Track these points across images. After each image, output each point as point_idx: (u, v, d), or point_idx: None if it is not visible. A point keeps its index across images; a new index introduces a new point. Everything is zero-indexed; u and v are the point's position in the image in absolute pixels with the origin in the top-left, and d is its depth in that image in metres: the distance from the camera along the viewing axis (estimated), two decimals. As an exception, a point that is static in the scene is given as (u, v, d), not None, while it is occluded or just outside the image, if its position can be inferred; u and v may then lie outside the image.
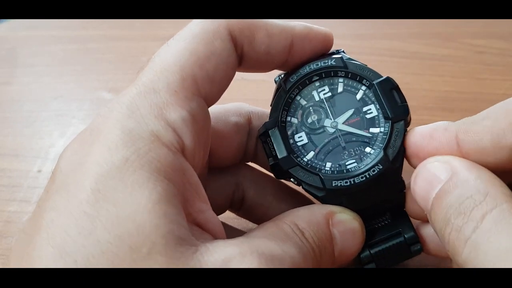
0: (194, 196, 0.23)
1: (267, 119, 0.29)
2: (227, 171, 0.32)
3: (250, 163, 0.34)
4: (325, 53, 0.30)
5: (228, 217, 0.34)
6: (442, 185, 0.23)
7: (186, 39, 0.25)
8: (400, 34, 0.55)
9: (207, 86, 0.25)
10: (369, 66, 0.30)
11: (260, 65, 0.28)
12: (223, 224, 0.27)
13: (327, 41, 0.29)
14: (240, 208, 0.32)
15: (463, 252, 0.21)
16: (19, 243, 0.22)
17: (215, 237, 0.24)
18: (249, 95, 0.46)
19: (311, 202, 0.31)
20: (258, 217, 0.32)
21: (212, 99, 0.26)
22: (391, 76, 0.29)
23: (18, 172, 0.44)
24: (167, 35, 0.58)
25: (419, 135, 0.26)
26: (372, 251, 0.28)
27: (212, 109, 0.29)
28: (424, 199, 0.24)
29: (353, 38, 0.55)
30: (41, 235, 0.21)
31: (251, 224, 0.36)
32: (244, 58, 0.27)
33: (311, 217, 0.26)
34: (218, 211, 0.32)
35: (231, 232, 0.26)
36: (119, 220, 0.20)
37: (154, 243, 0.20)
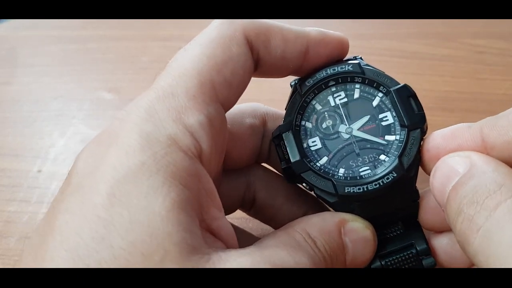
0: (208, 202, 0.23)
1: (282, 121, 0.29)
2: (239, 171, 0.32)
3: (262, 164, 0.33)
4: (341, 59, 0.30)
5: (235, 217, 0.34)
6: (459, 178, 0.22)
7: (203, 44, 0.25)
8: (399, 34, 0.55)
9: (224, 91, 0.25)
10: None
11: (275, 70, 0.28)
12: (234, 227, 0.26)
13: (342, 46, 0.29)
14: (250, 208, 0.32)
15: (474, 242, 0.21)
16: (31, 243, 0.22)
17: (227, 245, 0.23)
18: (249, 95, 0.46)
19: (322, 204, 0.31)
20: (269, 217, 0.32)
21: (229, 104, 0.26)
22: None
23: (18, 172, 0.44)
24: (167, 35, 0.59)
25: (439, 137, 0.26)
26: (383, 262, 0.27)
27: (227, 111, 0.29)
28: (441, 192, 0.23)
29: (353, 38, 0.54)
30: (54, 237, 0.20)
31: (250, 224, 0.36)
32: (259, 63, 0.27)
33: (323, 225, 0.26)
34: (229, 210, 0.32)
35: (238, 234, 0.26)
36: (133, 226, 0.20)
37: (167, 251, 0.20)
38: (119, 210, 0.20)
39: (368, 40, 0.55)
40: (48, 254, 0.20)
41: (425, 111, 0.28)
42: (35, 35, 0.59)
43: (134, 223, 0.20)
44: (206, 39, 0.25)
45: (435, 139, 0.26)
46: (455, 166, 0.23)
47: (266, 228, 0.34)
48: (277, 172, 0.33)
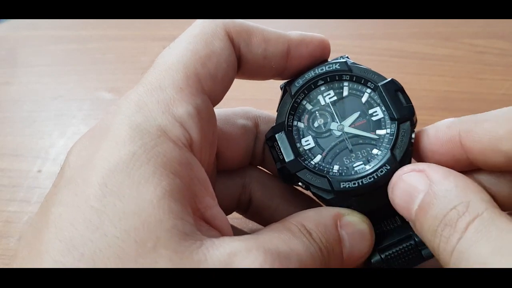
0: (202, 191, 0.23)
1: (274, 124, 0.29)
2: (235, 173, 0.32)
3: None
4: (325, 60, 0.30)
5: (234, 217, 0.34)
6: (423, 196, 0.24)
7: (186, 40, 0.26)
8: (400, 34, 0.55)
9: (210, 84, 0.26)
10: (369, 66, 0.30)
11: (258, 70, 0.29)
12: (233, 228, 0.27)
13: (323, 45, 0.30)
14: (247, 210, 0.33)
15: (450, 261, 0.22)
16: (26, 237, 0.22)
17: (222, 233, 0.24)
18: (248, 95, 0.46)
19: (319, 205, 0.31)
20: (265, 219, 0.32)
21: (215, 97, 0.27)
22: (390, 76, 0.29)
23: (18, 172, 0.44)
24: (167, 35, 0.59)
25: (426, 136, 0.27)
26: (383, 256, 0.27)
27: (220, 112, 0.30)
28: (406, 209, 0.25)
29: (353, 38, 0.55)
30: (49, 229, 0.21)
31: (250, 224, 0.36)
32: (242, 61, 0.28)
33: (318, 218, 0.26)
34: (225, 212, 0.32)
35: (238, 234, 0.26)
36: (126, 215, 0.20)
37: (159, 238, 0.20)
38: (111, 199, 0.21)
39: (368, 40, 0.55)
40: (43, 245, 0.20)
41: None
42: (35, 35, 0.59)
43: (126, 212, 0.20)
44: (189, 36, 0.26)
45: (423, 138, 0.27)
46: (413, 183, 0.24)
47: (266, 228, 0.34)
48: (272, 174, 0.33)
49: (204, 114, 0.25)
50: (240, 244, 0.22)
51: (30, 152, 0.46)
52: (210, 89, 0.26)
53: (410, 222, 0.25)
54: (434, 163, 0.26)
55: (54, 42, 0.58)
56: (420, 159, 0.27)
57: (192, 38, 0.26)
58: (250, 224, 0.36)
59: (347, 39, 0.55)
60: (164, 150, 0.22)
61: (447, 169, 0.24)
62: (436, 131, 0.26)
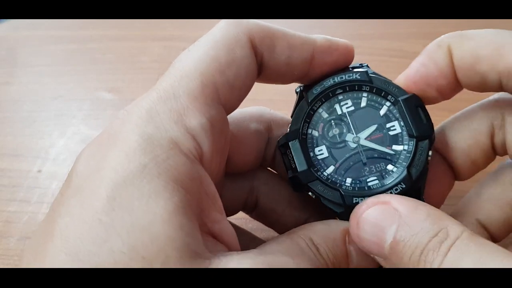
0: (210, 206, 0.23)
1: (287, 127, 0.29)
2: (243, 175, 0.31)
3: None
4: (347, 66, 0.29)
5: (236, 217, 0.34)
6: (395, 231, 0.23)
7: (207, 45, 0.25)
8: (400, 34, 0.55)
9: (227, 93, 0.25)
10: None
11: (279, 76, 0.28)
12: (234, 227, 0.26)
13: (348, 53, 0.29)
14: (252, 211, 0.32)
15: None
16: (31, 246, 0.22)
17: (228, 247, 0.23)
18: (249, 95, 0.46)
19: (325, 210, 0.30)
20: (271, 221, 0.32)
21: (231, 106, 0.26)
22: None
23: (18, 172, 0.44)
24: (167, 35, 0.59)
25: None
26: None
27: (233, 114, 0.29)
28: (377, 245, 0.24)
29: (353, 38, 0.55)
30: (54, 241, 0.20)
31: (250, 225, 0.36)
32: (263, 67, 0.27)
33: (327, 232, 0.25)
34: (231, 212, 0.32)
35: (239, 235, 0.25)
36: (134, 230, 0.20)
37: (168, 256, 0.20)
38: (120, 213, 0.20)
39: (368, 40, 0.55)
40: (48, 258, 0.20)
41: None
42: (35, 35, 0.59)
43: (135, 227, 0.20)
44: (210, 40, 0.25)
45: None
46: (382, 216, 0.23)
47: (267, 228, 0.34)
48: (281, 176, 0.32)
49: (217, 125, 0.24)
50: (248, 264, 0.21)
51: (30, 152, 0.46)
52: (226, 99, 0.25)
53: (377, 258, 0.24)
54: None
55: (54, 42, 0.58)
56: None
57: (213, 43, 0.25)
58: (250, 224, 0.36)
59: (347, 39, 0.54)
60: (176, 164, 0.22)
61: (411, 199, 0.24)
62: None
